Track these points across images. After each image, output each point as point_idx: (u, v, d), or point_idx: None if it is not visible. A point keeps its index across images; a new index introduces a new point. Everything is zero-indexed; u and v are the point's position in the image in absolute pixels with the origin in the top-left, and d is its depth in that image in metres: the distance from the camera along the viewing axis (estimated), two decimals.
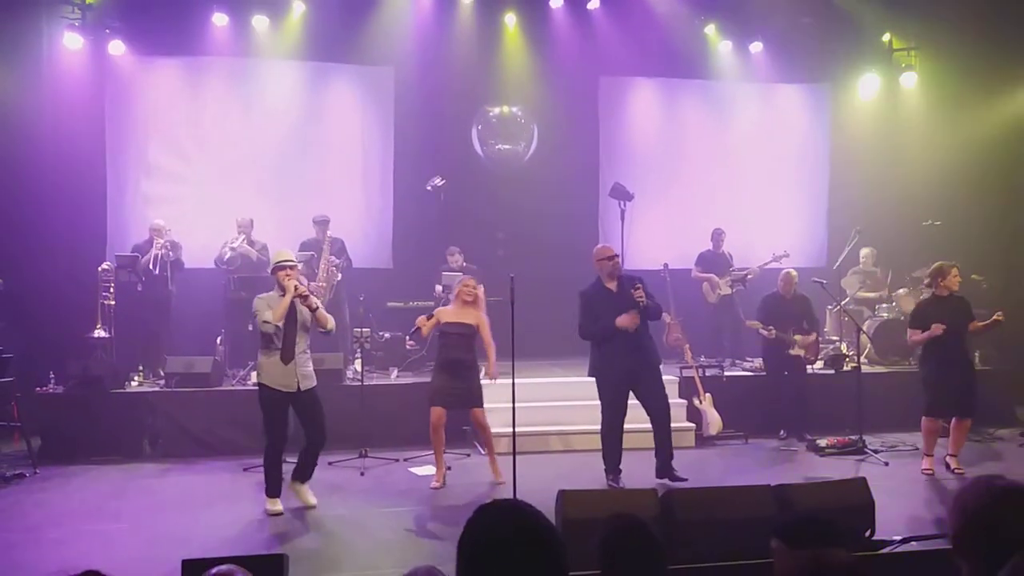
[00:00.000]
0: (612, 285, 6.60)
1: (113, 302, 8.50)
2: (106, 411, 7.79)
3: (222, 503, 6.33)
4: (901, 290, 9.78)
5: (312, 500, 6.13)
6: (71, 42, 9.22)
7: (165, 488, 6.78)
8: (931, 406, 7.06)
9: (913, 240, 10.03)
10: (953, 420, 7.05)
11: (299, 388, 6.05)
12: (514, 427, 5.91)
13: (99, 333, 8.30)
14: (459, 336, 6.75)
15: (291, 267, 6.13)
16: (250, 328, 8.99)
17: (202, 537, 5.45)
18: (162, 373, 8.43)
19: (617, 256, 6.69)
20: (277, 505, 5.98)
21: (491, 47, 10.68)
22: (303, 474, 6.16)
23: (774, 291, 8.56)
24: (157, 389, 8.25)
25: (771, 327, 8.19)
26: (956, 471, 6.92)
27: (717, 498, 4.90)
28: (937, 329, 6.86)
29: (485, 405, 7.85)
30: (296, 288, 5.95)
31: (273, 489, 6.02)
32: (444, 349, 6.81)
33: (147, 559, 5.12)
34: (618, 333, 6.46)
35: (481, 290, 6.96)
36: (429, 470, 7.07)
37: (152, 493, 6.62)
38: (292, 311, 6.00)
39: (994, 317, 7.02)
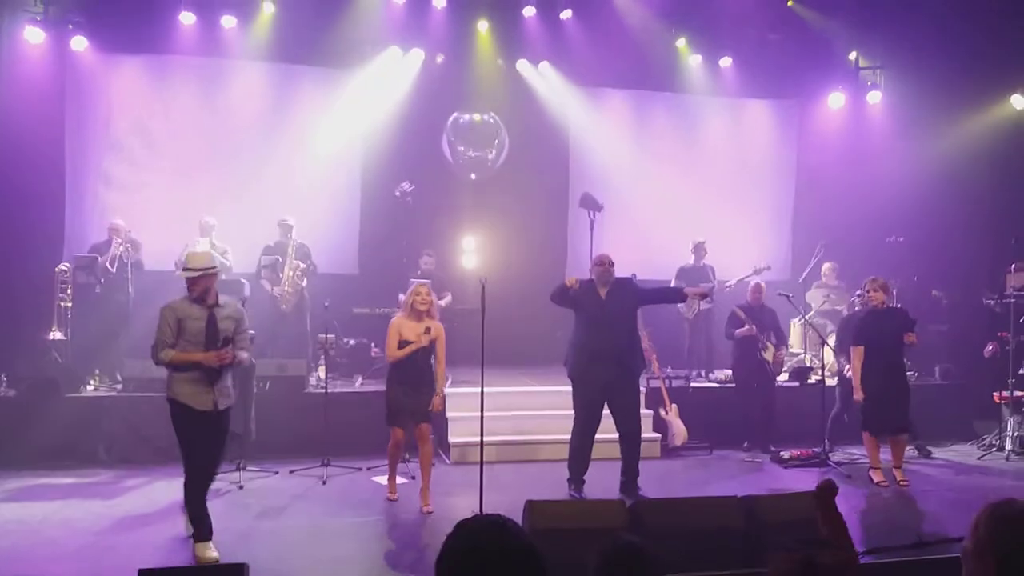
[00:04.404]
0: (603, 292, 6.61)
1: (70, 304, 8.28)
2: (60, 416, 7.55)
3: (180, 511, 6.13)
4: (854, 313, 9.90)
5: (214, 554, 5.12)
6: (32, 36, 9.01)
7: (121, 495, 6.59)
8: (868, 422, 7.20)
9: (876, 256, 10.17)
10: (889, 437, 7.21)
11: (216, 407, 5.22)
12: (482, 436, 5.84)
13: (54, 335, 8.08)
14: (420, 351, 6.28)
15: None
16: None
17: (159, 546, 5.31)
18: (119, 377, 8.22)
19: (609, 266, 6.64)
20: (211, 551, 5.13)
21: (463, 53, 10.65)
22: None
23: (744, 302, 8.63)
24: (114, 394, 8.04)
25: (752, 325, 8.30)
26: (902, 483, 7.05)
27: (685, 509, 4.88)
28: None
29: (450, 414, 7.87)
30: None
31: (204, 531, 5.17)
32: (403, 363, 6.24)
33: (102, 568, 4.97)
34: (599, 343, 6.46)
35: (434, 297, 6.58)
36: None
37: (107, 500, 6.42)
38: (212, 319, 5.26)
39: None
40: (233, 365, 5.30)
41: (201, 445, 5.18)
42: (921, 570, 4.80)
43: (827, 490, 2.92)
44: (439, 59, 10.59)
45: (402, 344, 6.22)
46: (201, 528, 5.16)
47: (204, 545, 5.11)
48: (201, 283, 5.25)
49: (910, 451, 8.17)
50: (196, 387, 5.15)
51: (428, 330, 6.20)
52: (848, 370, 7.69)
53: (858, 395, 7.14)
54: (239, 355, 5.28)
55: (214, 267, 5.39)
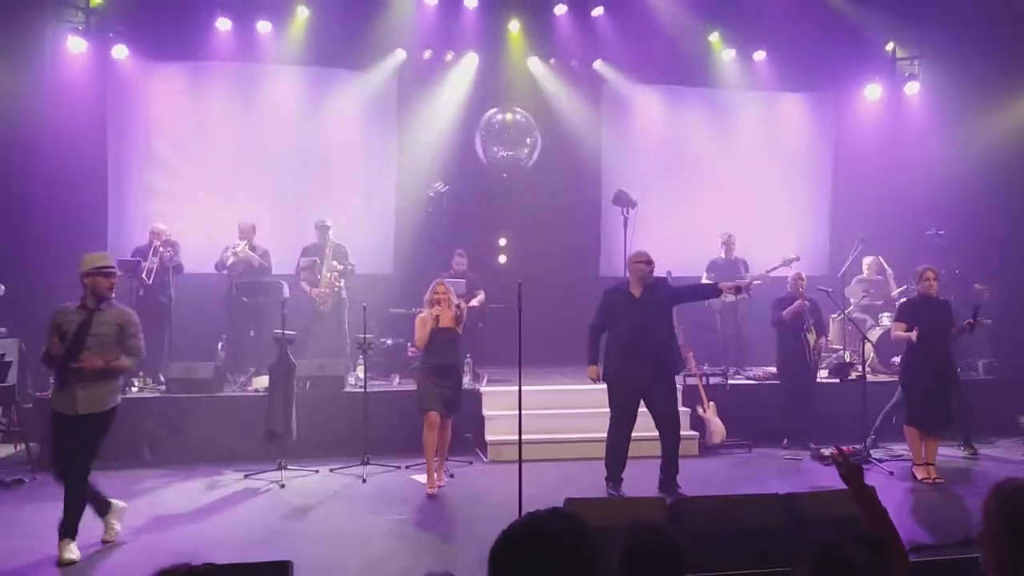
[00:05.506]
0: (637, 291, 6.58)
1: None
2: None
3: (224, 510, 6.28)
4: (903, 299, 9.74)
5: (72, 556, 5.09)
6: (75, 46, 9.22)
7: (165, 495, 6.72)
8: (913, 416, 7.11)
9: (916, 249, 10.00)
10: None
11: (77, 412, 5.22)
12: (520, 434, 5.86)
13: None
14: (448, 340, 6.76)
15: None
16: (251, 334, 9.00)
17: (204, 545, 5.39)
18: (162, 379, 8.37)
19: (650, 264, 6.62)
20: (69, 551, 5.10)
21: (495, 53, 10.68)
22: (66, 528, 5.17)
23: (787, 292, 8.53)
24: (157, 395, 8.19)
25: (805, 300, 8.22)
26: (936, 480, 6.97)
27: (725, 507, 4.84)
28: (911, 335, 7.02)
29: (488, 413, 7.97)
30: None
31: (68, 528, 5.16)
32: (433, 354, 6.74)
33: (148, 567, 5.04)
34: (634, 341, 6.44)
35: (452, 295, 6.92)
36: None
37: (153, 500, 6.56)
38: (86, 323, 5.38)
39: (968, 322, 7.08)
40: (121, 370, 5.48)
41: (63, 451, 5.21)
42: (966, 568, 4.73)
43: (852, 470, 2.81)
44: (427, 55, 10.57)
45: (435, 330, 6.69)
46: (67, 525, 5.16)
47: (64, 543, 5.11)
48: (96, 281, 5.49)
49: (959, 449, 8.06)
50: (62, 390, 5.26)
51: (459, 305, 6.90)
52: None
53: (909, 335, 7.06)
54: (113, 361, 5.31)
55: (106, 265, 5.58)
